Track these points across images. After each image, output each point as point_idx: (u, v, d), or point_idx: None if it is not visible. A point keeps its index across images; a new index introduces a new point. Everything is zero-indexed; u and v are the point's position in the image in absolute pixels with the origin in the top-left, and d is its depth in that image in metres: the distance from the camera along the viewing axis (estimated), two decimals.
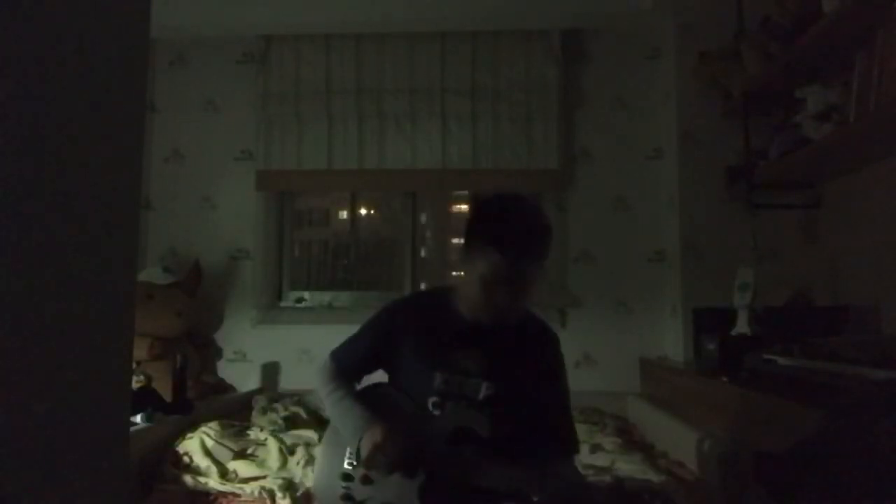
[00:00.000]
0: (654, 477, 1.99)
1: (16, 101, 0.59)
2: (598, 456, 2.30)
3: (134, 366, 2.80)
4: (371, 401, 1.49)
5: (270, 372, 3.37)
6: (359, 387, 1.59)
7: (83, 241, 0.70)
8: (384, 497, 1.38)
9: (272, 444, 2.31)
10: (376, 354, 1.55)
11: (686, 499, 1.89)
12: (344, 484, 1.41)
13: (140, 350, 2.88)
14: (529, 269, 1.38)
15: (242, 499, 2.02)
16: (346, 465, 1.43)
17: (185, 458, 2.21)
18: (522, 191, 3.43)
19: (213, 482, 2.09)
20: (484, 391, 1.42)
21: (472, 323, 1.47)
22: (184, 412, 2.51)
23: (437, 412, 1.42)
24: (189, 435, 2.30)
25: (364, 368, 1.58)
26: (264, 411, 2.81)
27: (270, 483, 2.06)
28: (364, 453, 1.36)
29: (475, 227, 1.42)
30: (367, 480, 1.40)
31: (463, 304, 1.49)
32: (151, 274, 3.12)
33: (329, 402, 1.53)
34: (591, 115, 3.42)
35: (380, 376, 1.62)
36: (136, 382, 2.58)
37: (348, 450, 1.45)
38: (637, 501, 1.23)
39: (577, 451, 1.51)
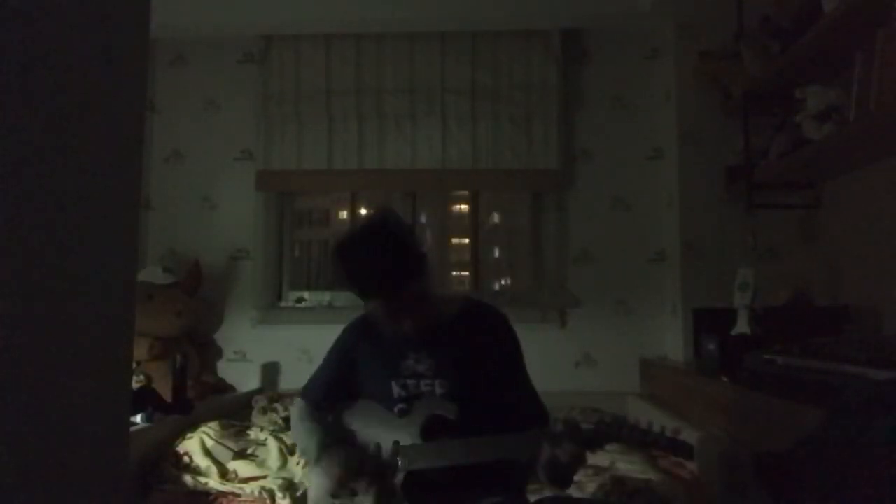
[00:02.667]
0: (654, 477, 1.99)
1: (15, 101, 0.59)
2: (598, 456, 2.30)
3: (134, 366, 2.80)
4: (353, 417, 1.54)
5: (270, 372, 3.37)
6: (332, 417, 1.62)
7: (83, 241, 0.70)
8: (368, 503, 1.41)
9: (272, 444, 2.31)
10: (342, 378, 1.60)
11: (686, 499, 1.89)
12: (335, 501, 1.45)
13: (140, 350, 2.87)
14: (401, 299, 1.41)
15: (242, 499, 2.02)
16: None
17: (185, 458, 2.21)
18: (522, 190, 3.49)
19: (213, 482, 2.09)
20: (439, 389, 1.47)
21: (407, 331, 1.50)
22: (184, 412, 2.51)
23: (399, 417, 1.47)
24: (189, 435, 2.30)
25: (334, 396, 1.62)
26: (264, 411, 2.81)
27: (270, 483, 2.07)
28: (329, 486, 1.41)
29: (335, 274, 1.45)
30: (353, 493, 1.42)
31: (387, 318, 1.52)
32: (151, 274, 3.12)
33: (301, 447, 1.61)
34: (591, 115, 3.42)
35: None
36: (136, 382, 2.59)
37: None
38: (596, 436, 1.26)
39: (548, 418, 1.52)
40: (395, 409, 1.48)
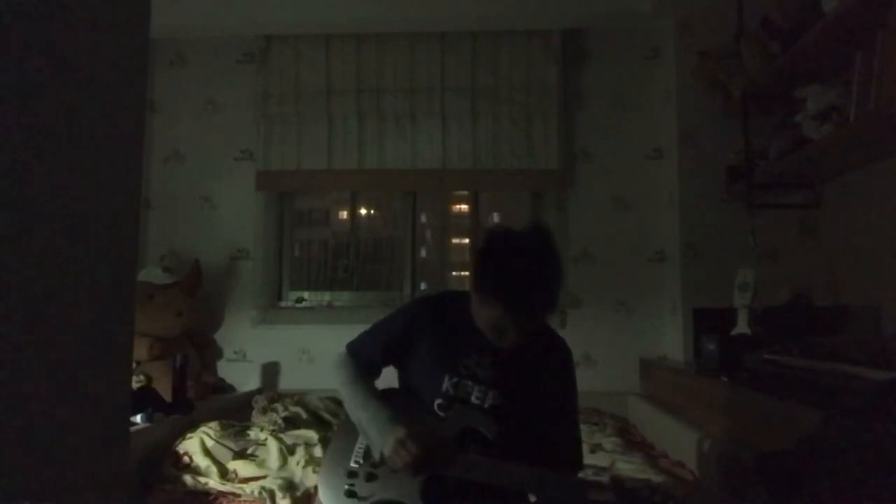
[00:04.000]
0: (654, 477, 1.99)
1: (16, 102, 0.59)
2: (598, 456, 2.30)
3: (134, 366, 2.80)
4: (390, 403, 1.49)
5: (270, 372, 3.37)
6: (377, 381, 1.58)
7: (83, 241, 0.70)
8: (387, 494, 1.39)
9: (272, 444, 2.31)
10: (392, 350, 1.53)
11: (686, 499, 1.89)
12: (349, 481, 1.42)
13: (140, 350, 2.87)
14: (535, 321, 1.36)
15: (242, 499, 2.02)
16: (352, 464, 1.45)
17: (185, 458, 2.21)
18: (522, 190, 3.49)
19: (213, 482, 2.09)
20: (490, 399, 1.42)
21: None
22: (184, 412, 2.51)
23: (441, 414, 1.43)
24: (189, 435, 2.30)
25: (382, 362, 1.56)
26: (264, 411, 2.81)
27: (270, 483, 2.06)
28: (388, 452, 1.35)
29: (480, 269, 1.36)
30: (371, 478, 1.41)
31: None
32: (151, 274, 3.12)
33: (354, 401, 1.49)
34: (591, 115, 3.42)
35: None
36: (136, 382, 2.59)
37: (356, 447, 1.46)
38: (641, 500, 1.22)
39: (580, 468, 1.50)
40: (435, 404, 1.43)
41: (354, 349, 1.58)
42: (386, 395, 1.51)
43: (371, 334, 1.58)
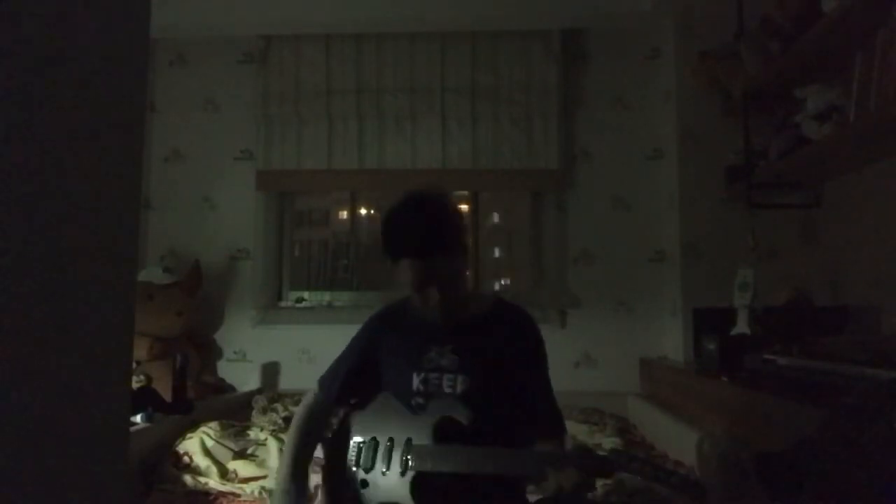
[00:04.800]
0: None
1: (15, 101, 0.59)
2: None
3: (134, 366, 2.80)
4: (369, 411, 1.53)
5: (270, 372, 3.37)
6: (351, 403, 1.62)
7: (83, 241, 0.70)
8: (377, 498, 1.40)
9: (272, 444, 2.31)
10: (362, 370, 1.58)
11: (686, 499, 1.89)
12: (346, 491, 1.45)
13: (140, 350, 2.88)
14: (433, 266, 1.42)
15: (242, 499, 2.02)
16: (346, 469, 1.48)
17: (185, 458, 2.21)
18: (522, 190, 3.49)
19: (213, 482, 2.09)
20: (461, 384, 1.45)
21: (438, 322, 1.51)
22: (184, 412, 2.51)
23: (416, 410, 1.46)
24: (189, 435, 2.30)
25: (353, 388, 1.60)
26: (264, 411, 2.81)
27: (270, 483, 2.06)
28: None
29: (381, 235, 1.51)
30: (364, 485, 1.43)
31: (420, 307, 1.53)
32: (151, 274, 3.12)
33: (288, 440, 1.59)
34: (591, 115, 3.42)
35: None
36: (136, 382, 2.58)
37: (349, 453, 1.49)
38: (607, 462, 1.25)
39: (563, 432, 1.52)
40: (412, 403, 1.46)
41: (322, 384, 1.63)
42: (373, 404, 1.54)
43: (338, 363, 1.63)
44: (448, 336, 1.49)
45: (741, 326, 2.32)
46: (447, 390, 1.45)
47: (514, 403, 1.47)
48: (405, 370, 1.49)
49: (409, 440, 1.41)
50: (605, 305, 3.30)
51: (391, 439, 1.44)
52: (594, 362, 3.27)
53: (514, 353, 1.50)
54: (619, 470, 1.26)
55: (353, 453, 1.48)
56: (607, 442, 2.45)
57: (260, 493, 2.02)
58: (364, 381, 1.57)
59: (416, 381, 1.47)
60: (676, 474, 1.22)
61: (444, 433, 1.40)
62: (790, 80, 2.39)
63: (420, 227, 1.44)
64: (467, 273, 1.51)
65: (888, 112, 1.84)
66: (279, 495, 1.49)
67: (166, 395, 2.56)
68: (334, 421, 1.59)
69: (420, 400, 1.46)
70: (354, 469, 1.46)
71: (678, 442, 2.26)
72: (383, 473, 1.41)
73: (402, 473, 1.39)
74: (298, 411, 1.61)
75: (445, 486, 1.38)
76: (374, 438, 1.47)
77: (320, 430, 1.59)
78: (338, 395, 1.59)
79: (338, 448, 1.54)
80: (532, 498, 1.52)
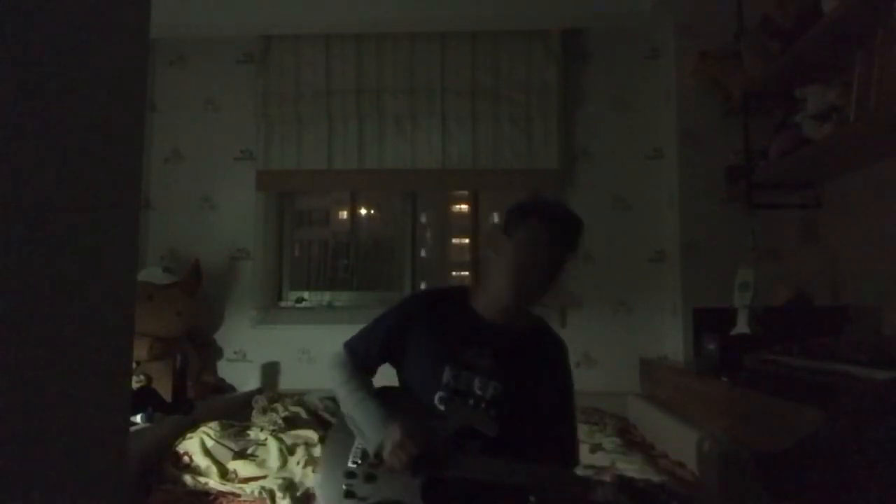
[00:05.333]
0: (653, 477, 1.99)
1: (15, 101, 0.59)
2: (598, 456, 2.30)
3: (134, 366, 2.80)
4: (387, 402, 1.49)
5: (270, 372, 3.37)
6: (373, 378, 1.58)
7: (83, 241, 0.70)
8: (386, 494, 1.39)
9: (272, 444, 2.31)
10: (388, 347, 1.54)
11: (686, 499, 1.89)
12: (347, 481, 1.42)
13: (140, 350, 2.87)
14: (561, 254, 1.44)
15: (242, 499, 2.02)
16: (350, 464, 1.44)
17: (185, 458, 2.21)
18: (522, 190, 3.48)
19: (213, 482, 2.09)
20: (491, 390, 1.42)
21: (487, 322, 1.48)
22: (184, 412, 2.51)
23: (442, 407, 1.42)
24: (189, 435, 2.30)
25: (379, 359, 1.56)
26: (264, 411, 2.81)
27: (270, 483, 2.06)
28: (386, 452, 1.36)
29: (517, 211, 1.49)
30: (370, 478, 1.41)
31: (480, 302, 1.51)
32: (151, 274, 3.12)
33: (349, 400, 1.49)
34: (591, 115, 3.42)
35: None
36: (136, 382, 2.58)
37: (353, 448, 1.46)
38: (649, 498, 1.22)
39: (576, 463, 1.51)
40: (436, 397, 1.42)
41: (351, 348, 1.58)
42: (383, 394, 1.51)
43: (367, 332, 1.58)
44: (491, 337, 1.46)
45: (741, 326, 2.32)
46: (477, 392, 1.42)
47: (537, 422, 1.46)
48: (437, 361, 1.45)
49: None
50: (605, 305, 3.30)
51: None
52: (594, 362, 3.27)
53: (549, 375, 1.49)
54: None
55: (360, 444, 1.44)
56: (607, 442, 2.45)
57: (260, 493, 2.02)
58: (389, 357, 1.54)
59: (447, 375, 1.43)
60: None
61: (463, 438, 1.38)
62: (790, 80, 2.39)
63: (573, 218, 1.48)
64: (561, 280, 1.57)
65: (888, 112, 1.84)
66: (392, 432, 1.36)
67: (166, 395, 2.56)
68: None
69: (445, 395, 1.42)
70: (360, 461, 1.43)
71: (678, 442, 2.26)
72: (393, 470, 1.38)
73: (415, 475, 1.36)
74: (337, 371, 1.53)
75: (457, 492, 1.36)
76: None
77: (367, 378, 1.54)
78: (376, 356, 1.54)
79: (342, 434, 1.51)
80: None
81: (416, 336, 1.51)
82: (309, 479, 2.10)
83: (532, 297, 1.48)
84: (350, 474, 1.43)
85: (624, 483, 1.27)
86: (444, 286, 1.55)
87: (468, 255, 3.70)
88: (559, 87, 3.37)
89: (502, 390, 1.42)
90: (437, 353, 1.47)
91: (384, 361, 1.56)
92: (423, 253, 3.70)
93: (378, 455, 1.38)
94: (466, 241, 3.75)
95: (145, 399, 2.39)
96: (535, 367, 1.48)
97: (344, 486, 1.42)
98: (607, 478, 1.28)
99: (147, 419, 2.30)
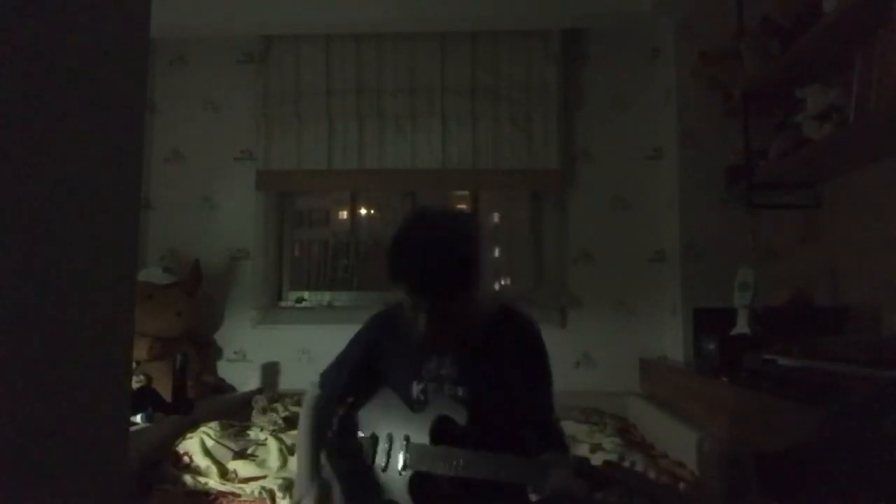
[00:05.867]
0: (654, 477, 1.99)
1: (15, 101, 0.59)
2: (598, 456, 2.30)
3: (134, 366, 2.80)
4: (370, 407, 1.51)
5: (270, 372, 3.37)
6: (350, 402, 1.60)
7: (83, 241, 0.70)
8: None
9: (272, 444, 2.31)
10: (363, 371, 1.56)
11: (686, 499, 1.89)
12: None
13: (140, 350, 2.87)
14: (444, 298, 1.32)
15: (242, 499, 2.02)
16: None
17: (185, 458, 2.21)
18: (522, 190, 3.49)
19: (213, 482, 2.09)
20: (461, 395, 1.43)
21: (441, 328, 1.43)
22: (184, 412, 2.51)
23: (420, 411, 1.44)
24: (189, 435, 2.30)
25: (353, 385, 1.57)
26: (264, 411, 2.81)
27: (270, 483, 2.06)
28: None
29: (388, 256, 1.35)
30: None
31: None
32: (151, 274, 3.12)
33: (302, 442, 1.56)
34: (591, 115, 3.42)
35: None
36: (136, 382, 2.58)
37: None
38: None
39: (564, 448, 1.48)
40: (414, 412, 1.45)
41: (323, 382, 1.60)
42: (376, 399, 1.52)
43: (337, 365, 1.60)
44: (448, 345, 1.44)
45: (741, 326, 2.32)
46: (447, 402, 1.42)
47: (513, 413, 1.45)
48: (405, 378, 1.47)
49: (406, 438, 1.40)
50: (605, 305, 3.30)
51: (390, 436, 1.43)
52: (594, 362, 3.27)
53: (516, 365, 1.46)
54: (613, 483, 1.22)
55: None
56: (607, 442, 2.45)
57: (260, 493, 2.02)
58: (364, 382, 1.55)
59: (415, 390, 1.45)
60: (668, 491, 1.20)
61: (442, 433, 1.38)
62: (790, 80, 2.39)
63: (448, 263, 1.30)
64: (482, 289, 1.40)
65: (888, 112, 1.84)
66: (307, 488, 1.46)
67: (166, 395, 2.56)
68: (334, 420, 1.58)
69: (421, 398, 1.44)
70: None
71: (678, 442, 2.26)
72: (382, 470, 1.41)
73: (401, 472, 1.39)
74: (304, 411, 1.58)
75: (445, 486, 1.37)
76: (373, 434, 1.46)
77: (328, 425, 1.56)
78: (342, 390, 1.56)
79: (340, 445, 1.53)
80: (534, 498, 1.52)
81: (382, 359, 1.53)
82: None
83: (446, 328, 1.37)
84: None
85: (584, 463, 1.26)
86: (399, 303, 1.49)
87: None
88: (559, 87, 3.37)
89: (470, 394, 1.41)
90: (402, 371, 1.48)
91: (360, 386, 1.55)
92: None
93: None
94: None
95: (145, 399, 2.39)
96: (500, 359, 1.45)
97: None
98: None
99: (147, 419, 2.30)
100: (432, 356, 1.46)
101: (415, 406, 1.45)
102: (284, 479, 2.10)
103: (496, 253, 3.92)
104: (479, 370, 1.44)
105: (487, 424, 1.40)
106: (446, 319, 1.35)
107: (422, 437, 1.39)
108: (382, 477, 1.41)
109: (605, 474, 1.21)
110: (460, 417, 1.37)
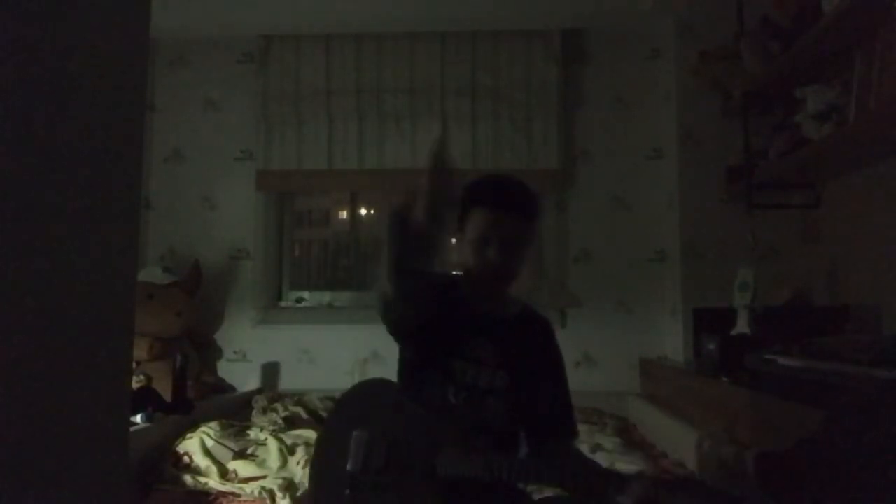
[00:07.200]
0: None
1: (16, 102, 0.59)
2: (598, 456, 2.29)
3: (134, 366, 2.80)
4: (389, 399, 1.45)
5: (270, 372, 3.37)
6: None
7: (83, 241, 0.70)
8: (397, 499, 1.33)
9: (272, 444, 2.31)
10: (430, 289, 1.45)
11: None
12: (350, 493, 1.37)
13: (140, 350, 2.88)
14: (519, 228, 1.42)
15: (242, 499, 2.02)
16: (349, 467, 1.41)
17: (185, 458, 2.21)
18: None
19: (213, 482, 2.09)
20: (498, 381, 1.42)
21: (479, 311, 1.47)
22: (184, 412, 2.51)
23: (454, 401, 1.40)
24: (189, 435, 2.30)
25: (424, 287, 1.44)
26: (264, 411, 2.81)
27: (270, 483, 2.06)
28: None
29: (466, 197, 1.48)
30: (376, 488, 1.36)
31: (468, 290, 1.49)
32: (151, 274, 3.12)
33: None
34: (591, 115, 3.42)
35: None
36: (136, 382, 2.58)
37: (352, 451, 1.40)
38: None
39: (576, 436, 1.53)
40: (451, 394, 1.41)
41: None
42: (384, 390, 1.47)
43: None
44: (487, 328, 1.45)
45: (741, 326, 2.32)
46: (483, 386, 1.40)
47: (541, 404, 1.46)
48: (445, 353, 1.42)
49: (436, 442, 1.32)
50: (605, 305, 3.30)
51: (410, 438, 1.33)
52: (594, 362, 3.27)
53: (543, 356, 1.50)
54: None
55: (360, 448, 1.36)
56: (607, 442, 2.45)
57: (260, 493, 2.02)
58: (426, 300, 1.43)
59: (458, 369, 1.40)
60: None
61: (476, 436, 1.36)
62: (790, 80, 2.39)
63: (521, 188, 1.47)
64: (532, 252, 1.52)
65: (888, 112, 1.84)
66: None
67: (166, 395, 2.56)
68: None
69: (454, 390, 1.40)
70: (361, 465, 1.39)
71: (678, 442, 2.26)
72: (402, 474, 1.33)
73: (428, 477, 1.30)
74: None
75: (476, 490, 1.33)
76: (384, 434, 1.35)
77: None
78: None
79: (337, 436, 1.47)
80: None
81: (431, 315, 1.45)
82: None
83: (503, 276, 1.44)
84: (354, 485, 1.33)
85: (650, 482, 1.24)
86: (443, 272, 1.49)
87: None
88: (559, 87, 3.37)
89: (508, 380, 1.41)
90: (441, 345, 1.44)
91: (429, 303, 1.44)
92: None
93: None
94: None
95: (145, 399, 2.39)
96: (531, 351, 1.48)
97: (347, 491, 1.36)
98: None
99: (147, 419, 2.30)
100: (472, 337, 1.43)
101: (453, 394, 1.41)
102: (284, 479, 2.10)
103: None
104: (515, 356, 1.44)
105: (519, 413, 1.41)
106: (512, 257, 1.40)
107: (455, 440, 1.32)
108: (401, 485, 1.31)
109: (677, 485, 1.19)
110: (498, 420, 1.38)
